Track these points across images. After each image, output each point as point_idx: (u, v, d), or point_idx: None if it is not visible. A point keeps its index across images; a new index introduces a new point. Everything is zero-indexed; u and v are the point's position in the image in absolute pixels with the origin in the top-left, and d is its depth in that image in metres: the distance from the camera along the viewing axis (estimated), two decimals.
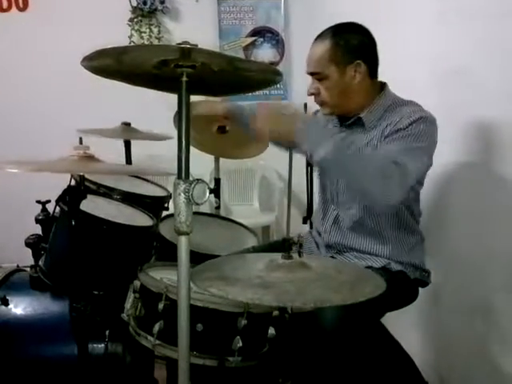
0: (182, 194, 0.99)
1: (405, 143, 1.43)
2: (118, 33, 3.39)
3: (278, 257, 1.12)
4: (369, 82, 1.58)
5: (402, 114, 1.51)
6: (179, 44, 0.92)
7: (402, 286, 1.61)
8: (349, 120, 1.62)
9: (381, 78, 1.62)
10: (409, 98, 1.61)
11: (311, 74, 1.58)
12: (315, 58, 1.56)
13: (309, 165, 2.09)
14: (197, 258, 1.36)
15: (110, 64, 1.01)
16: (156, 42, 3.52)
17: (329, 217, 1.69)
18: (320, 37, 1.57)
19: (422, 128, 1.45)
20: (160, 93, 1.18)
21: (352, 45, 1.54)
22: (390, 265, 1.58)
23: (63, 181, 1.66)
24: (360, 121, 1.59)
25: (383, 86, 1.62)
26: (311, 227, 1.97)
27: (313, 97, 1.61)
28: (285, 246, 1.11)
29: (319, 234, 1.75)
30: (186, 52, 0.94)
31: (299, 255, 1.12)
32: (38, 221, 1.82)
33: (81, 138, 1.46)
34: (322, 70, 1.54)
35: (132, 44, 3.44)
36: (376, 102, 1.58)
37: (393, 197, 1.35)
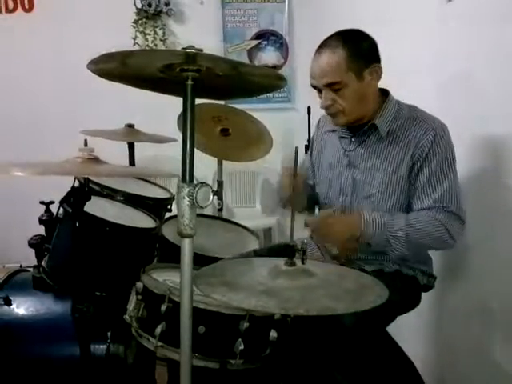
0: (186, 198, 0.99)
1: (440, 177, 1.51)
2: (122, 34, 3.40)
3: (281, 263, 1.11)
4: (377, 85, 1.59)
5: (422, 128, 1.52)
6: (184, 49, 0.93)
7: (413, 291, 1.64)
8: (361, 129, 1.61)
9: (382, 83, 1.62)
10: (410, 103, 1.62)
11: (327, 85, 1.51)
12: (330, 69, 1.49)
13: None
14: (199, 259, 1.36)
15: (116, 67, 1.02)
16: (160, 44, 3.53)
17: None
18: (327, 46, 1.51)
19: (445, 146, 1.51)
20: (164, 95, 1.18)
21: (365, 49, 1.52)
22: (402, 268, 1.60)
23: (67, 182, 1.67)
24: (373, 127, 1.58)
25: (385, 90, 1.62)
26: None
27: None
28: (288, 252, 1.11)
29: None
30: (191, 57, 0.94)
31: (302, 262, 1.12)
32: (41, 221, 1.82)
33: (86, 140, 1.46)
34: (340, 79, 1.49)
35: (136, 46, 3.47)
36: (384, 105, 1.59)
37: (460, 237, 1.52)
